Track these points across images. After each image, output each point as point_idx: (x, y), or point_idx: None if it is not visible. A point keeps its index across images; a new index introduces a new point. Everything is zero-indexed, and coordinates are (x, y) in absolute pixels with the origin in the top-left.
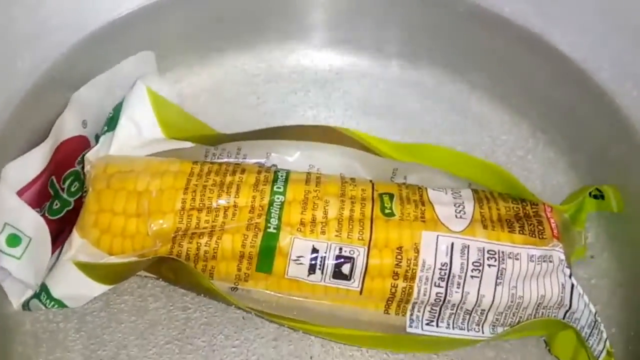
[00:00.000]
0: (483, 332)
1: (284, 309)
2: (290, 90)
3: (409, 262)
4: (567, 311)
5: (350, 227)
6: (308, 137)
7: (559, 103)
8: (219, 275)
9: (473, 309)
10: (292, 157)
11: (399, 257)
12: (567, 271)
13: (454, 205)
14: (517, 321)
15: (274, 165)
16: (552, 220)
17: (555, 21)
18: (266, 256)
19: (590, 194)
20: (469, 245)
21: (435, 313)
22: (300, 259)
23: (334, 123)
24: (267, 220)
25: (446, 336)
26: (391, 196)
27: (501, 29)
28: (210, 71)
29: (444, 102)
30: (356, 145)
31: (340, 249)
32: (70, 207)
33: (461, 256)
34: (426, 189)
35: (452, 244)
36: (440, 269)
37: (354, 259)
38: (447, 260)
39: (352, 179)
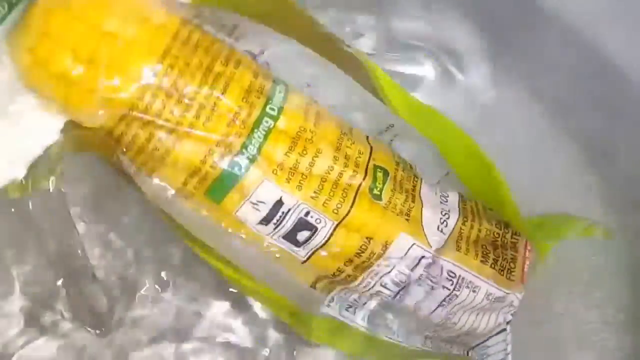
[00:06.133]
0: (394, 335)
1: (213, 238)
2: None
3: (370, 255)
4: (482, 342)
5: (332, 193)
6: (316, 46)
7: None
8: (159, 177)
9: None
10: (289, 65)
11: (364, 247)
12: (509, 317)
13: (440, 213)
14: (432, 335)
15: (266, 62)
16: (527, 263)
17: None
18: (222, 185)
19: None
20: (435, 263)
21: (359, 303)
22: (260, 205)
23: None
24: (244, 145)
25: (357, 329)
26: (385, 174)
27: None
28: None
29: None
30: (365, 81)
31: (308, 212)
32: None
33: (423, 269)
34: (421, 180)
35: (422, 258)
36: (397, 274)
37: (316, 229)
38: (406, 271)
39: (350, 130)
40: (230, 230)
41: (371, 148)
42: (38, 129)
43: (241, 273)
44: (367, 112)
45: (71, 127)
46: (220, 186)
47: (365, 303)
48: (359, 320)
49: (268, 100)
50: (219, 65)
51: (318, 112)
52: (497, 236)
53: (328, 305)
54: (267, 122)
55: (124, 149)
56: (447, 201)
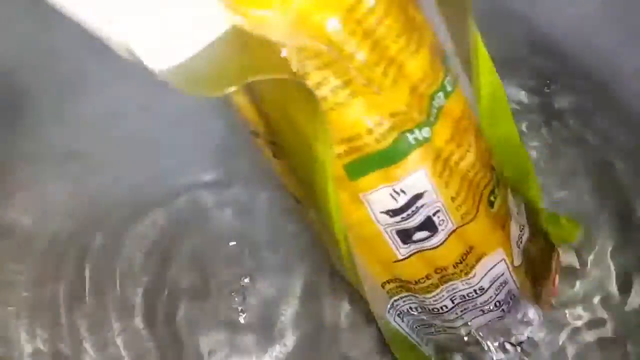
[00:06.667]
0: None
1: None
2: None
3: (463, 268)
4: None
5: (467, 196)
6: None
7: None
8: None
9: (443, 321)
10: None
11: (464, 257)
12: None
13: (519, 228)
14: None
15: None
16: (557, 278)
17: None
18: (375, 163)
19: None
20: (507, 283)
21: (414, 313)
22: (400, 195)
23: None
24: (420, 125)
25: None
26: (497, 177)
27: None
28: None
29: None
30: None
31: (437, 212)
32: None
33: (495, 290)
34: (508, 188)
35: (501, 275)
36: (474, 290)
37: (437, 232)
38: (485, 287)
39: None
40: (332, 205)
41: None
42: (200, 21)
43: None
44: None
45: (235, 35)
46: (372, 163)
47: (415, 311)
48: (401, 323)
49: (447, 70)
50: (412, 8)
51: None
52: (544, 252)
53: (388, 312)
54: (439, 98)
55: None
56: (520, 215)
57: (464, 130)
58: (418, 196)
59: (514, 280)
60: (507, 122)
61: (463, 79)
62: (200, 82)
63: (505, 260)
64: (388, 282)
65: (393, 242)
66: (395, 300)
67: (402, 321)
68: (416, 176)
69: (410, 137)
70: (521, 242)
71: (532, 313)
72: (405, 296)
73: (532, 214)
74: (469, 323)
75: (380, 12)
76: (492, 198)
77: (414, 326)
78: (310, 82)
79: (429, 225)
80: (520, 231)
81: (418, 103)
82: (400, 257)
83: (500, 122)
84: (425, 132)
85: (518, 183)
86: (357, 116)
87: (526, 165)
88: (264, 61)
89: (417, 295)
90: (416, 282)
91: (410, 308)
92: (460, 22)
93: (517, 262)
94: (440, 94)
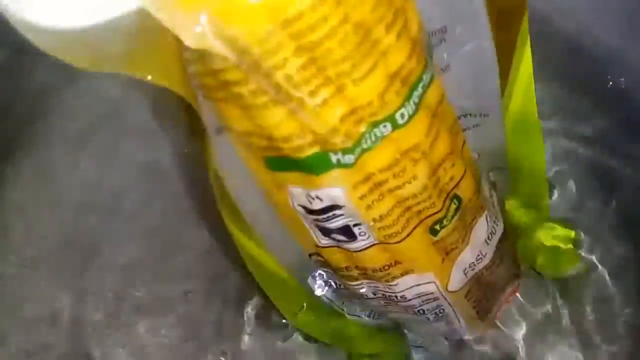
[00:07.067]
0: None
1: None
2: None
3: (384, 276)
4: None
5: (395, 222)
6: None
7: None
8: (222, 114)
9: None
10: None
11: (387, 267)
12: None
13: (476, 257)
14: None
15: None
16: (504, 306)
17: None
18: (290, 166)
19: None
20: (438, 299)
21: (337, 288)
22: (315, 200)
23: None
24: (345, 151)
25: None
26: (458, 207)
27: None
28: None
29: None
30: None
31: (358, 224)
32: None
33: (421, 302)
34: (485, 211)
35: (430, 294)
36: (396, 296)
37: (355, 239)
38: (408, 297)
39: (462, 143)
40: (259, 180)
41: (465, 172)
42: None
43: (245, 224)
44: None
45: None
46: (289, 165)
47: (340, 288)
48: (331, 296)
49: (404, 101)
50: (380, 29)
51: (443, 119)
52: (501, 280)
53: (312, 277)
54: (385, 127)
55: (201, 70)
56: (490, 241)
57: (410, 161)
58: (335, 207)
59: (446, 300)
60: (535, 143)
61: (490, 88)
62: (76, 55)
63: (436, 284)
64: (315, 254)
65: (314, 232)
66: (320, 272)
67: (323, 291)
68: (333, 191)
69: (333, 157)
70: (472, 269)
71: (460, 329)
72: (331, 272)
73: (510, 240)
74: (392, 315)
75: (323, 31)
76: (437, 227)
77: (338, 298)
78: (228, 77)
79: (347, 232)
80: (476, 259)
81: (351, 128)
82: (321, 245)
83: (528, 142)
84: (349, 158)
85: (531, 208)
86: (274, 122)
87: (543, 192)
88: (160, 63)
89: (337, 277)
90: (337, 269)
91: (335, 283)
92: (513, 28)
93: (453, 288)
94: (388, 124)
